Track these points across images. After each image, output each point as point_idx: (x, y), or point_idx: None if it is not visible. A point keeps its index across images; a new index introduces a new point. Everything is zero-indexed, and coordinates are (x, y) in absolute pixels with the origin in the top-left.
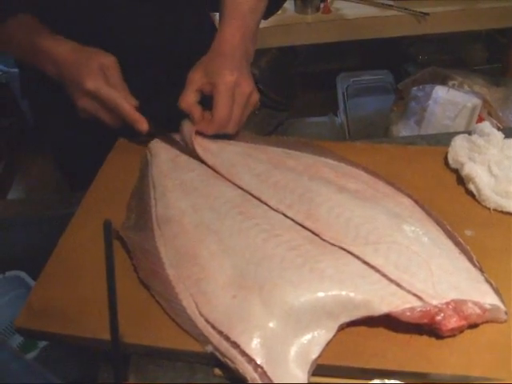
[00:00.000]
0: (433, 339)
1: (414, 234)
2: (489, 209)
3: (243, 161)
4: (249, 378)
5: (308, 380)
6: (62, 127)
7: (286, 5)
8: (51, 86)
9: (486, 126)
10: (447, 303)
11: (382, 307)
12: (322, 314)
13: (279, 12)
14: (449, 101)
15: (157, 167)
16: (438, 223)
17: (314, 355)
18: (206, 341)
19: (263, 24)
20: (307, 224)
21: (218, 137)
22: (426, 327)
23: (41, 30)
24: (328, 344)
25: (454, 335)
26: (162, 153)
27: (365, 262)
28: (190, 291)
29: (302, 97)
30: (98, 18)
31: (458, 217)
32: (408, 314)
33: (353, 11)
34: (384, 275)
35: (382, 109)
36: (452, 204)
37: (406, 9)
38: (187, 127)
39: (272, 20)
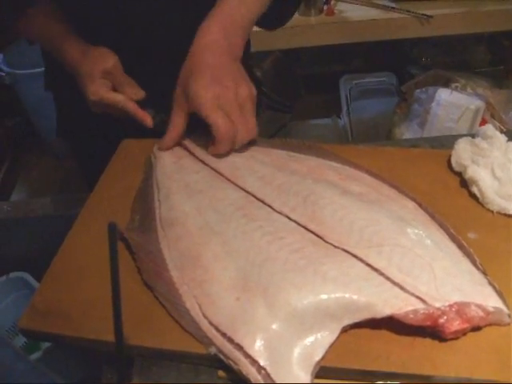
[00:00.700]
0: (436, 342)
1: (418, 236)
2: (492, 212)
3: (247, 163)
4: (252, 380)
5: (311, 382)
6: (84, 121)
7: None
8: (74, 80)
9: (490, 128)
10: (450, 306)
11: (385, 309)
12: (326, 316)
13: None
14: (452, 103)
15: (161, 169)
16: (442, 226)
17: (318, 357)
18: (209, 343)
19: None
20: (311, 226)
21: None
22: (429, 330)
23: (58, 24)
24: (331, 346)
25: (457, 338)
26: (166, 155)
27: (368, 265)
28: (193, 293)
29: (306, 99)
30: (118, 14)
31: (462, 220)
32: (411, 316)
33: (356, 13)
34: (387, 278)
35: (385, 111)
36: (455, 207)
37: (409, 11)
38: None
39: None
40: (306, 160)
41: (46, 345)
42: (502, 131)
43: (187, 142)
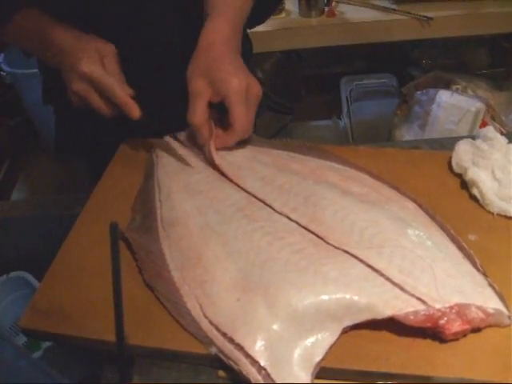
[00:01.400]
0: (436, 343)
1: (418, 238)
2: (492, 213)
3: (248, 164)
4: (252, 380)
5: (311, 382)
6: (87, 131)
7: (290, 8)
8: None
9: (490, 130)
10: (450, 307)
11: (385, 310)
12: (326, 317)
13: (283, 15)
14: (452, 105)
15: (162, 169)
16: (442, 227)
17: (318, 358)
18: (210, 343)
19: (267, 27)
20: (311, 227)
21: None
22: (429, 331)
23: (47, 19)
24: (332, 347)
25: (457, 339)
26: (167, 154)
27: (369, 266)
28: (194, 293)
29: (306, 100)
30: (121, 21)
31: (462, 221)
32: (411, 317)
33: (357, 15)
34: (388, 279)
35: (385, 112)
36: (456, 208)
37: (409, 13)
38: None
39: (276, 23)
40: (306, 161)
41: (47, 344)
42: (502, 133)
43: (188, 142)
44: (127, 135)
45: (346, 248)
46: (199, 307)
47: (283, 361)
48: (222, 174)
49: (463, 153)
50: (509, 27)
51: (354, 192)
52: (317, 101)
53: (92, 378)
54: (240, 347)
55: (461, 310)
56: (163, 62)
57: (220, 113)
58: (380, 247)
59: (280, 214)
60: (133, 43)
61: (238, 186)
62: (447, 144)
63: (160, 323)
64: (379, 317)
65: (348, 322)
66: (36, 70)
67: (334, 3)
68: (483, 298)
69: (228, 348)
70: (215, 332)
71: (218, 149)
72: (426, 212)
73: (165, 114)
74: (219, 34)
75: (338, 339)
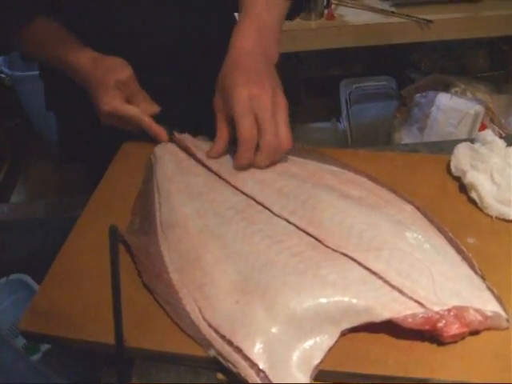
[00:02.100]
0: (434, 345)
1: (417, 240)
2: (491, 216)
3: (247, 169)
4: (251, 382)
5: None
6: (88, 137)
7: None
8: (76, 99)
9: (489, 134)
10: (449, 310)
11: (383, 313)
12: (324, 320)
13: None
14: (452, 108)
15: (161, 171)
16: (441, 230)
17: (316, 360)
18: (209, 345)
19: None
20: (310, 230)
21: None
22: (427, 333)
23: (63, 38)
24: (330, 349)
25: (455, 342)
26: (166, 157)
27: (367, 269)
28: (193, 296)
29: (305, 102)
30: (120, 19)
31: (460, 224)
32: (410, 320)
33: (356, 18)
34: (386, 281)
35: (384, 115)
36: (454, 211)
37: (409, 16)
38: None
39: None
40: (305, 164)
41: (46, 346)
42: (501, 136)
43: (189, 145)
44: (129, 138)
45: (344, 251)
46: (198, 310)
47: (282, 363)
48: (221, 177)
49: (462, 156)
50: (508, 30)
51: (352, 195)
52: (316, 103)
53: (91, 381)
54: (239, 349)
55: (459, 312)
56: (161, 65)
57: None
58: (378, 250)
59: (279, 216)
60: (154, 51)
61: (237, 188)
62: (446, 147)
63: (159, 325)
64: (377, 320)
65: (346, 325)
66: (36, 73)
67: (333, 6)
68: (481, 301)
69: (227, 350)
70: (214, 334)
71: (238, 167)
72: (425, 215)
73: (164, 114)
74: (239, 43)
75: (336, 342)
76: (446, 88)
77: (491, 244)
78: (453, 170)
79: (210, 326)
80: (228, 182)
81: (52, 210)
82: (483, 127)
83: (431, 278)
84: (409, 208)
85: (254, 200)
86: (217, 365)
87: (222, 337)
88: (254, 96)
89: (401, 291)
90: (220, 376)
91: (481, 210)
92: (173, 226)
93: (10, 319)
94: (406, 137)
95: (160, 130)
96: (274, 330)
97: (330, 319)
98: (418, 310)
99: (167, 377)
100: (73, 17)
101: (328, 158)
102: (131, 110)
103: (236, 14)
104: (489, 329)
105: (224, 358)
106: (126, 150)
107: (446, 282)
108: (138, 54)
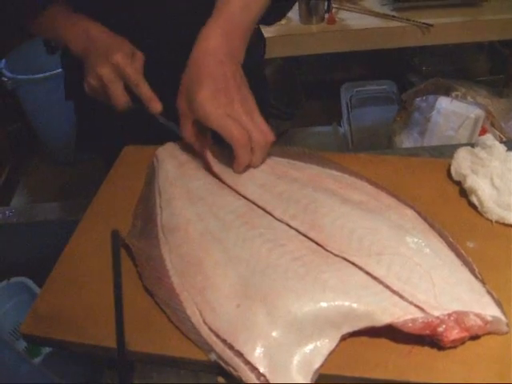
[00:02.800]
0: (434, 350)
1: (417, 245)
2: (491, 221)
3: (248, 171)
4: None
5: None
6: (105, 127)
7: (290, 15)
8: None
9: (489, 138)
10: (449, 315)
11: (384, 318)
12: (325, 324)
13: (283, 22)
14: (452, 112)
15: (163, 175)
16: (441, 235)
17: (317, 364)
18: (209, 349)
19: (268, 34)
20: (311, 234)
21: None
22: (427, 338)
23: (77, 13)
24: (330, 354)
25: (455, 346)
26: (168, 161)
27: (367, 273)
28: (194, 300)
29: (306, 106)
30: (124, 14)
31: (461, 229)
32: (410, 324)
33: (357, 22)
34: (386, 286)
35: (385, 119)
36: (454, 216)
37: (409, 20)
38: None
39: (277, 30)
40: (306, 168)
41: (47, 350)
42: (501, 140)
43: (189, 149)
44: (145, 131)
45: (345, 255)
46: (199, 313)
47: (282, 367)
48: (222, 181)
49: (462, 160)
50: (508, 34)
51: (353, 199)
52: (317, 107)
53: None
54: (239, 354)
55: (459, 317)
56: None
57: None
58: (379, 255)
59: (280, 221)
60: (148, 50)
61: (239, 193)
62: (446, 151)
63: (160, 329)
64: (378, 324)
65: (347, 329)
66: (37, 76)
67: (334, 10)
68: (481, 306)
69: (227, 354)
70: (215, 338)
71: (239, 171)
72: (425, 219)
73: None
74: (205, 43)
75: (336, 346)
76: (447, 92)
77: (491, 248)
78: (453, 174)
79: (210, 329)
80: (229, 186)
81: (53, 214)
82: (484, 131)
83: (431, 282)
84: (409, 212)
85: (255, 204)
86: (217, 368)
87: (223, 341)
88: (225, 105)
89: (401, 296)
90: (221, 380)
91: (481, 214)
92: (174, 229)
93: (11, 322)
94: (406, 141)
95: (155, 98)
96: (274, 334)
97: (330, 323)
98: (418, 314)
99: (168, 380)
100: (83, 9)
101: (329, 163)
102: (138, 73)
103: None
104: (489, 333)
105: (225, 361)
106: (128, 154)
107: (446, 287)
108: (146, 47)
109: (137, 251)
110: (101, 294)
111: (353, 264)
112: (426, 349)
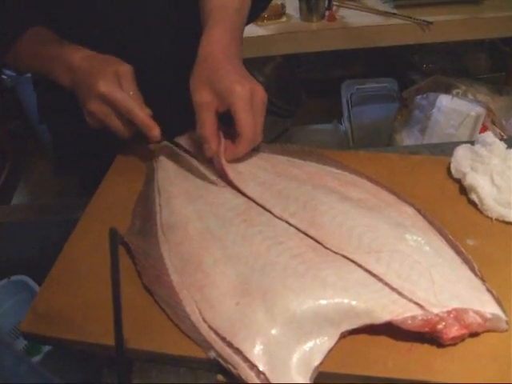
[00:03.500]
0: (434, 347)
1: (417, 243)
2: (491, 218)
3: (248, 168)
4: None
5: None
6: (82, 148)
7: (291, 12)
8: (69, 113)
9: (489, 136)
10: (448, 312)
11: (383, 315)
12: (324, 322)
13: (284, 19)
14: (453, 109)
15: (162, 173)
16: (441, 232)
17: (316, 362)
18: (209, 347)
19: (268, 32)
20: (310, 232)
21: None
22: (427, 335)
23: (56, 38)
24: (330, 351)
25: (455, 344)
26: (167, 159)
27: (367, 271)
28: (193, 297)
29: (307, 104)
30: (113, 24)
31: (460, 226)
32: (409, 322)
33: (357, 19)
34: (386, 284)
35: (386, 117)
36: (454, 213)
37: (410, 17)
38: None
39: (277, 27)
40: (306, 166)
41: (47, 348)
42: (502, 138)
43: (189, 147)
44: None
45: (344, 253)
46: (198, 311)
47: (281, 365)
48: (227, 181)
49: (462, 158)
50: (509, 31)
51: (352, 197)
52: (317, 105)
53: (91, 382)
54: (239, 351)
55: (458, 314)
56: (158, 67)
57: (225, 125)
58: (378, 252)
59: (279, 218)
60: (148, 55)
61: (238, 190)
62: (447, 149)
63: (159, 327)
64: (377, 322)
65: (346, 327)
66: None
67: (334, 8)
68: (481, 303)
69: (227, 352)
70: (214, 336)
71: (228, 161)
72: (425, 217)
73: (163, 118)
74: (218, 43)
75: (336, 344)
76: (447, 90)
77: (491, 246)
78: (453, 171)
79: (210, 327)
80: (229, 184)
81: (53, 212)
82: (484, 129)
83: (431, 280)
84: (409, 210)
85: (255, 202)
86: (217, 366)
87: (222, 338)
88: (253, 94)
89: (400, 293)
90: (220, 377)
91: (481, 211)
92: (173, 227)
93: (11, 321)
94: (407, 138)
95: (153, 124)
96: (273, 331)
97: (329, 321)
98: (418, 312)
99: (167, 378)
100: (67, 22)
101: (328, 160)
102: (127, 97)
103: None
104: (488, 331)
105: (224, 359)
106: (126, 153)
107: (445, 284)
108: (132, 58)
109: (136, 249)
110: (100, 292)
111: (352, 261)
112: (426, 346)
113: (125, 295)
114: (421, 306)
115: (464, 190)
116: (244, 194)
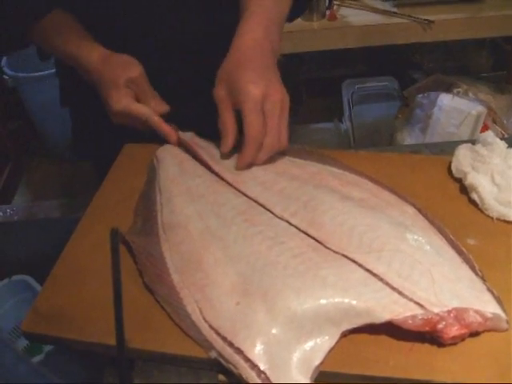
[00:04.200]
0: (434, 347)
1: (417, 242)
2: (491, 218)
3: (249, 168)
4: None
5: None
6: (101, 133)
7: None
8: (90, 96)
9: (490, 135)
10: (449, 311)
11: (384, 315)
12: (325, 321)
13: None
14: (454, 108)
15: (163, 173)
16: (441, 232)
17: (317, 362)
18: (210, 346)
19: None
20: (311, 232)
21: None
22: (427, 335)
23: (73, 30)
24: (330, 351)
25: (455, 343)
26: (169, 158)
27: (367, 270)
28: (194, 297)
29: (308, 103)
30: (130, 17)
31: (461, 226)
32: (410, 321)
33: (358, 18)
34: (386, 283)
35: (387, 116)
36: (455, 213)
37: (411, 16)
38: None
39: None
40: (306, 166)
41: (48, 347)
42: (503, 137)
43: (192, 144)
44: (141, 135)
45: (345, 252)
46: (199, 311)
47: (282, 364)
48: (223, 178)
49: (463, 157)
50: (510, 30)
51: (353, 197)
52: (318, 104)
53: (93, 381)
54: (239, 351)
55: (459, 314)
56: (171, 64)
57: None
58: (379, 251)
59: (280, 218)
60: (158, 55)
61: (239, 190)
62: (447, 148)
63: (160, 327)
64: (378, 321)
65: (347, 326)
66: (38, 74)
67: (335, 7)
68: (481, 303)
69: (228, 352)
70: (215, 336)
71: (239, 168)
72: (426, 216)
73: (174, 113)
74: (249, 37)
75: (336, 343)
76: (448, 88)
77: (492, 245)
78: (454, 171)
79: (210, 327)
80: (229, 184)
81: (54, 212)
82: (485, 128)
83: (431, 279)
84: (410, 209)
85: (256, 202)
86: (218, 366)
87: (223, 338)
88: (267, 95)
89: (401, 293)
90: (221, 377)
91: (481, 211)
92: (174, 227)
93: (12, 320)
94: (408, 137)
95: (169, 130)
96: (274, 331)
97: (330, 320)
98: (418, 311)
99: (168, 378)
100: (85, 13)
101: (329, 160)
102: (141, 109)
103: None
104: (489, 330)
105: (225, 359)
106: (129, 152)
107: (446, 284)
108: (148, 53)
109: (137, 248)
110: (101, 291)
111: (353, 261)
112: (426, 346)
113: (125, 294)
114: (421, 306)
115: (465, 189)
116: (245, 194)
